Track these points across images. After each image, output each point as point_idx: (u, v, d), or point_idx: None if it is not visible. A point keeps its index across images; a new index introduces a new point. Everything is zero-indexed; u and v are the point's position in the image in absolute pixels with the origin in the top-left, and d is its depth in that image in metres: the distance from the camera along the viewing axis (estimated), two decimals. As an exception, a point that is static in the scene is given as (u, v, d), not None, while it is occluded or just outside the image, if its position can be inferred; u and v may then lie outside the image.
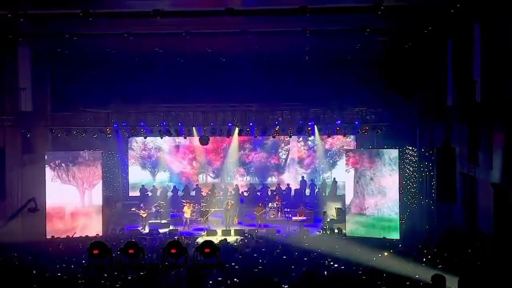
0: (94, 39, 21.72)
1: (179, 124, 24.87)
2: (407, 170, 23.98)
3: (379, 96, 24.17)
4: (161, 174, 29.79)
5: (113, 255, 10.29)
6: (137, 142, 29.37)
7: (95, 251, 10.16)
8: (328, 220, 25.04)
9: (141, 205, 25.71)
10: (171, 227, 25.03)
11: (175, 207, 26.99)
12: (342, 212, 24.76)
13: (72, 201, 23.69)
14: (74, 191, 23.77)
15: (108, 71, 24.99)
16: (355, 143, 28.16)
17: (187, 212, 25.32)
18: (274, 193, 28.26)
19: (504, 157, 15.46)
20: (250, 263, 16.45)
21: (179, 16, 18.54)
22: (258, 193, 28.62)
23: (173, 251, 10.06)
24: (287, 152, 29.81)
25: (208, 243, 10.17)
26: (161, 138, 26.09)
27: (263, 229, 24.35)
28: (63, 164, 23.65)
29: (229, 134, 25.78)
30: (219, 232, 23.63)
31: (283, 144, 29.68)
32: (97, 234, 23.08)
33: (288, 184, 29.04)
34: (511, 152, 15.09)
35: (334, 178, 28.53)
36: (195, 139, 26.71)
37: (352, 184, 23.58)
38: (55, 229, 23.19)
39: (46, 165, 23.36)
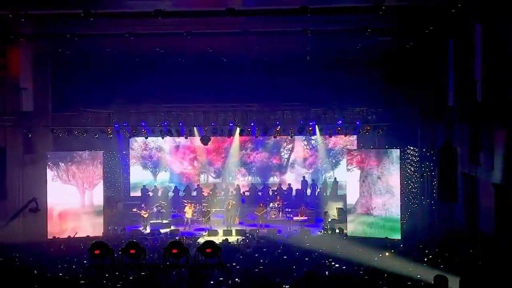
0: (95, 39, 21.72)
1: (180, 124, 24.88)
2: (408, 170, 23.98)
3: (380, 96, 24.17)
4: (162, 174, 29.79)
5: (115, 255, 10.29)
6: (137, 142, 29.33)
7: (97, 251, 10.17)
8: (329, 220, 25.04)
9: (142, 205, 25.70)
10: (172, 227, 25.03)
11: (176, 207, 26.98)
12: (343, 212, 24.74)
13: (72, 201, 23.66)
14: (75, 191, 23.74)
15: (109, 71, 25.01)
16: (356, 143, 28.13)
17: (188, 212, 25.31)
18: (275, 193, 28.26)
19: (505, 157, 15.45)
20: (251, 263, 16.46)
21: (180, 16, 18.54)
22: (259, 193, 28.61)
23: (174, 251, 10.07)
24: (289, 152, 29.79)
25: (209, 243, 10.18)
26: (162, 138, 26.12)
27: (264, 229, 24.34)
28: (62, 164, 23.61)
29: (230, 134, 25.80)
30: (220, 232, 23.63)
31: (285, 144, 29.65)
32: (99, 234, 23.08)
33: (289, 184, 29.03)
34: (513, 152, 15.10)
35: (335, 178, 28.51)
36: (196, 139, 26.72)
37: (354, 184, 23.42)
38: (56, 229, 23.18)
39: (47, 165, 23.36)
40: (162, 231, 24.00)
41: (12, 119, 22.73)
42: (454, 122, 20.37)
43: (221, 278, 13.78)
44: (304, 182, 28.92)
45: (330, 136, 26.99)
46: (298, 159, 29.76)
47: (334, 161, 29.16)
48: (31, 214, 22.51)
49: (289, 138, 28.23)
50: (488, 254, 15.91)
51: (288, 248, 19.00)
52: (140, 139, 28.74)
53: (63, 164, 23.64)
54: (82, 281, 13.62)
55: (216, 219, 25.69)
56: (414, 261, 16.00)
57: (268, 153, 29.68)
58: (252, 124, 24.89)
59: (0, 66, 22.19)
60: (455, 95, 20.25)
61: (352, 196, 23.55)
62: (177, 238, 21.30)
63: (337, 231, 23.42)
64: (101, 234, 23.25)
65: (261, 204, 25.70)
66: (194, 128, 25.22)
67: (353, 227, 23.26)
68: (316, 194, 28.49)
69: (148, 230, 24.49)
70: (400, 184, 22.49)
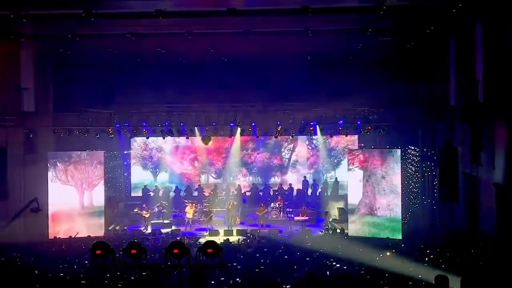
0: (96, 40, 21.73)
1: (181, 124, 24.89)
2: (410, 170, 23.97)
3: (381, 96, 24.15)
4: (162, 174, 29.78)
5: (116, 255, 10.29)
6: (136, 142, 29.26)
7: (98, 251, 10.17)
8: (330, 220, 25.03)
9: (143, 205, 25.70)
10: (173, 227, 25.03)
11: (177, 207, 26.96)
12: (344, 212, 24.75)
13: (73, 201, 23.63)
14: (75, 192, 23.67)
15: (110, 71, 25.01)
16: (357, 143, 28.08)
17: (189, 212, 25.30)
18: (276, 193, 28.26)
19: (506, 157, 15.46)
20: (252, 263, 16.46)
21: (181, 16, 18.55)
22: (260, 193, 28.61)
23: (175, 251, 10.07)
24: (290, 152, 29.78)
25: (210, 243, 10.17)
26: (163, 138, 26.12)
27: (265, 229, 24.35)
28: (59, 165, 23.52)
29: (231, 134, 25.82)
30: (221, 232, 23.64)
31: (286, 144, 29.63)
32: (100, 235, 23.07)
33: (290, 184, 29.02)
34: (514, 152, 15.10)
35: (336, 178, 28.50)
36: (197, 139, 26.73)
37: (355, 184, 23.26)
38: (57, 229, 23.17)
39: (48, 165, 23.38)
40: (163, 231, 23.99)
41: (13, 119, 22.71)
42: (455, 121, 20.38)
43: (222, 278, 13.80)
44: (305, 182, 28.90)
45: (331, 136, 26.99)
46: (299, 159, 29.74)
47: (335, 161, 29.11)
48: (32, 214, 22.51)
49: (290, 138, 28.21)
50: (489, 254, 15.91)
51: (289, 248, 19.00)
52: (139, 140, 28.72)
53: (60, 165, 23.50)
54: (83, 281, 13.62)
55: (217, 219, 25.69)
56: (415, 261, 16.01)
57: (269, 153, 29.66)
58: (253, 124, 24.89)
59: (1, 66, 22.18)
60: (456, 95, 20.27)
61: (354, 196, 23.42)
62: (178, 238, 21.32)
63: (338, 231, 23.41)
64: (102, 234, 23.24)
65: (262, 204, 25.70)
66: (195, 128, 25.23)
67: (356, 227, 23.07)
68: (317, 194, 28.48)
69: (149, 230, 24.49)
70: (401, 184, 22.46)
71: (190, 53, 24.04)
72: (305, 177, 29.06)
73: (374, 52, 23.63)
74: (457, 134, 20.27)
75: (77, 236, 22.83)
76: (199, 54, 23.90)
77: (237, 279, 14.06)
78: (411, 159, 24.08)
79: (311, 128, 24.70)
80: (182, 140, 28.32)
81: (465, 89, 18.85)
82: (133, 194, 29.15)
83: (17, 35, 21.14)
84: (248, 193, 28.41)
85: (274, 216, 26.17)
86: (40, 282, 13.59)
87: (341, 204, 25.89)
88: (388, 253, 17.67)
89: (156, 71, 25.64)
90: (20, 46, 22.50)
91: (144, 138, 26.69)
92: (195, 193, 28.34)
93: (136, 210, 25.59)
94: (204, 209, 25.85)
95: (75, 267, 16.19)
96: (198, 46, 22.40)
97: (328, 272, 15.19)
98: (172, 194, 28.33)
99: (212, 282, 13.45)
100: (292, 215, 25.53)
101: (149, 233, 23.92)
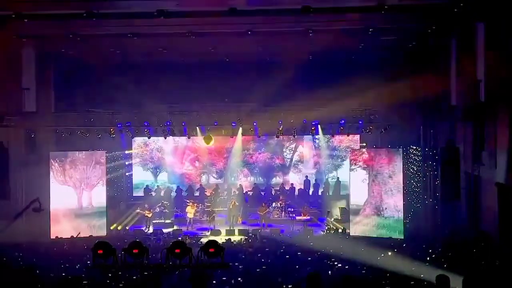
0: (98, 40, 21.76)
1: (183, 124, 24.90)
2: (411, 170, 23.94)
3: (383, 96, 24.13)
4: (163, 174, 29.78)
5: (118, 255, 10.31)
6: (136, 142, 29.20)
7: (100, 251, 10.19)
8: (332, 219, 25.02)
9: (146, 205, 25.70)
10: (175, 227, 25.06)
11: (179, 207, 26.97)
12: (346, 212, 24.73)
13: (75, 201, 23.61)
14: (76, 192, 23.60)
15: (112, 71, 24.99)
16: (359, 142, 28.04)
17: (190, 212, 25.30)
18: (278, 192, 28.26)
19: (508, 157, 15.44)
20: (254, 263, 16.47)
21: (183, 16, 18.56)
22: (262, 193, 28.62)
23: (177, 251, 10.10)
24: (291, 152, 29.76)
25: (212, 243, 10.20)
26: (165, 138, 26.12)
27: (267, 229, 24.35)
28: (57, 165, 23.42)
29: (233, 134, 25.83)
30: (223, 232, 23.65)
31: (287, 144, 29.61)
32: (102, 234, 23.07)
33: (292, 184, 29.01)
34: (515, 152, 15.09)
35: (338, 178, 28.49)
36: (198, 139, 26.72)
37: (358, 184, 23.05)
38: (59, 229, 23.17)
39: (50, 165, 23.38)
40: (164, 231, 23.99)
41: (15, 119, 22.72)
42: (457, 121, 20.36)
43: (223, 278, 13.80)
44: (306, 181, 28.90)
45: (333, 136, 26.99)
46: (301, 159, 29.73)
47: (338, 160, 29.04)
48: (34, 214, 22.49)
49: (292, 138, 28.20)
50: (491, 253, 15.89)
51: (290, 248, 18.99)
52: (140, 140, 28.73)
53: (58, 165, 23.41)
54: (85, 281, 13.62)
55: (219, 219, 25.67)
56: (416, 260, 15.99)
57: (270, 153, 29.65)
58: (254, 123, 24.90)
59: (2, 66, 22.19)
60: (457, 94, 20.24)
61: (356, 196, 23.25)
62: (179, 238, 21.32)
63: (340, 231, 23.40)
64: (104, 234, 23.24)
65: (264, 204, 25.71)
66: (197, 127, 25.25)
67: (360, 228, 22.80)
68: (319, 194, 28.46)
69: (151, 230, 24.50)
70: (403, 184, 22.43)
71: (191, 53, 24.05)
72: (306, 176, 29.06)
73: (375, 51, 23.63)
74: (459, 133, 20.24)
75: (79, 236, 22.84)
76: (201, 54, 23.92)
77: (239, 279, 14.06)
78: (412, 159, 24.04)
79: (312, 128, 24.71)
80: (182, 140, 28.33)
81: (467, 88, 18.82)
82: (134, 194, 29.16)
83: (19, 35, 21.16)
84: (250, 193, 28.42)
85: (276, 216, 26.18)
86: (42, 282, 13.59)
87: (343, 204, 25.88)
88: (389, 253, 17.66)
89: (158, 71, 25.63)
90: (21, 46, 22.52)
91: (144, 138, 26.68)
92: (197, 193, 28.35)
93: (138, 210, 25.60)
94: (207, 209, 25.86)
95: (77, 267, 16.18)
96: (200, 46, 22.43)
97: (330, 272, 15.19)
98: (173, 194, 28.34)
99: (214, 281, 13.45)
100: (294, 215, 25.54)
101: (151, 233, 23.92)
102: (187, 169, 29.82)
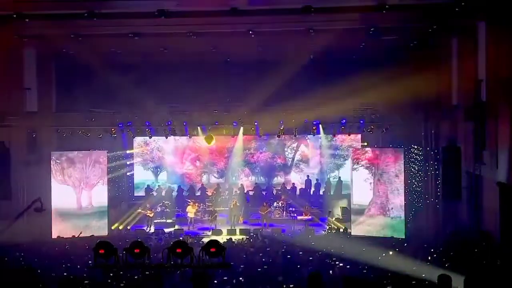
0: (99, 39, 21.77)
1: (184, 123, 24.90)
2: (413, 169, 23.92)
3: (384, 95, 24.10)
4: (163, 174, 29.78)
5: (119, 255, 10.30)
6: (137, 142, 29.16)
7: (101, 251, 10.18)
8: (333, 219, 25.01)
9: (147, 205, 25.72)
10: (176, 227, 25.06)
11: (180, 206, 26.98)
12: (347, 211, 24.70)
13: (74, 201, 23.62)
14: (75, 191, 23.62)
15: (113, 71, 24.97)
16: (360, 142, 28.01)
17: (190, 211, 25.30)
18: (279, 192, 28.26)
19: (509, 156, 15.44)
20: (255, 262, 16.47)
21: (184, 16, 18.57)
22: (263, 193, 28.62)
23: (178, 250, 10.07)
24: (293, 151, 29.75)
25: (213, 243, 10.17)
26: (166, 138, 26.14)
27: (268, 229, 24.34)
28: (56, 164, 23.42)
29: (234, 133, 25.82)
30: (224, 231, 23.65)
31: (289, 143, 29.61)
32: (103, 234, 23.07)
33: (293, 184, 29.01)
34: (517, 151, 15.08)
35: (340, 177, 28.48)
36: (199, 139, 26.72)
37: (360, 183, 22.89)
38: (60, 229, 23.18)
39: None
40: (166, 230, 23.98)
41: (16, 119, 22.75)
42: (458, 121, 20.34)
43: (225, 277, 13.80)
44: (308, 181, 28.90)
45: (334, 135, 26.97)
46: (303, 158, 29.73)
47: (341, 160, 28.97)
48: (35, 214, 22.45)
49: (294, 137, 28.19)
50: (493, 253, 15.89)
51: (292, 248, 18.98)
52: (140, 139, 28.74)
53: (56, 164, 23.38)
54: (86, 281, 13.64)
55: (220, 219, 25.65)
56: (418, 260, 15.99)
57: (272, 153, 29.65)
58: (255, 123, 24.90)
59: (4, 66, 22.20)
60: (458, 94, 20.23)
61: (358, 195, 23.11)
62: (181, 237, 21.32)
63: (341, 230, 23.38)
64: (106, 234, 23.25)
65: (265, 204, 25.72)
66: (198, 127, 25.26)
67: (364, 228, 22.60)
68: (321, 194, 28.45)
69: (152, 230, 24.50)
70: (404, 183, 22.41)
71: (192, 53, 24.05)
72: (308, 176, 29.06)
73: (376, 51, 23.61)
74: (460, 133, 20.24)
75: (80, 236, 22.84)
76: (202, 53, 23.93)
77: (240, 278, 14.08)
78: (414, 158, 24.03)
79: (314, 128, 24.70)
80: (183, 140, 28.33)
81: (468, 88, 18.82)
82: (135, 194, 29.16)
83: (20, 35, 21.17)
84: (251, 193, 28.43)
85: (277, 216, 26.17)
86: (44, 281, 13.61)
87: (344, 204, 25.85)
88: (391, 252, 17.65)
89: (159, 70, 25.63)
90: (23, 46, 22.54)
91: (145, 138, 26.67)
92: (198, 193, 28.36)
93: (140, 209, 25.61)
94: (208, 209, 25.87)
95: (78, 266, 16.20)
96: (201, 46, 22.43)
97: (331, 272, 15.19)
98: (174, 193, 28.34)
99: (215, 281, 13.46)
100: (295, 215, 25.56)
101: (152, 232, 23.92)
102: (187, 169, 29.81)
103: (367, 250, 18.09)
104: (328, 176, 29.06)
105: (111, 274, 13.67)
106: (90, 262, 16.12)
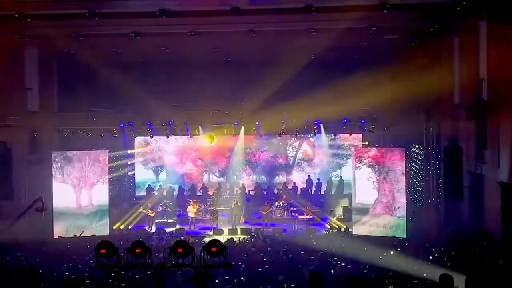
0: (100, 39, 21.78)
1: (185, 123, 24.91)
2: (414, 169, 23.90)
3: (385, 94, 24.07)
4: (164, 174, 29.80)
5: (121, 254, 10.30)
6: (137, 141, 29.21)
7: (102, 251, 10.17)
8: (335, 218, 25.01)
9: (148, 204, 25.73)
10: (177, 226, 25.07)
11: (181, 206, 27.00)
12: (348, 211, 24.70)
13: (74, 200, 23.63)
14: (74, 190, 23.58)
15: (114, 70, 25.02)
16: (362, 141, 27.99)
17: (191, 211, 25.31)
18: (281, 192, 28.26)
19: (511, 155, 15.41)
20: (256, 262, 16.47)
21: (185, 15, 18.58)
22: (265, 192, 28.63)
23: (180, 250, 10.06)
24: (295, 150, 29.74)
25: (215, 242, 10.17)
26: (167, 137, 26.16)
27: (270, 228, 24.34)
28: (63, 164, 23.41)
29: (235, 133, 25.84)
30: (226, 231, 23.66)
31: (291, 141, 29.59)
32: (104, 234, 23.07)
33: (294, 183, 29.01)
34: (518, 150, 15.07)
35: (341, 177, 28.47)
36: (200, 138, 26.75)
37: (363, 182, 22.75)
38: (62, 228, 23.18)
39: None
40: (167, 230, 24.01)
41: (18, 119, 22.77)
42: (460, 120, 20.32)
43: (226, 277, 13.80)
44: (309, 180, 28.90)
45: (335, 135, 26.97)
46: (304, 158, 29.72)
47: (344, 159, 28.94)
48: (37, 213, 22.51)
49: (295, 137, 28.20)
50: (494, 252, 15.87)
51: (293, 247, 18.98)
52: (141, 139, 28.75)
53: (66, 165, 23.38)
54: (87, 281, 13.64)
55: (221, 218, 25.68)
56: (420, 259, 15.98)
57: (274, 152, 29.65)
58: (257, 122, 24.90)
59: (5, 66, 22.22)
60: (460, 93, 20.21)
61: (361, 194, 22.98)
62: (182, 237, 21.33)
63: (342, 230, 23.37)
64: (107, 234, 23.25)
65: (266, 203, 25.72)
66: (199, 127, 25.28)
67: (368, 228, 22.44)
68: (322, 193, 28.45)
69: (153, 230, 24.51)
70: (406, 183, 22.38)
71: (193, 52, 24.06)
72: (309, 175, 29.06)
73: (378, 50, 23.60)
74: (462, 132, 20.21)
75: (81, 236, 22.84)
76: (203, 53, 23.93)
77: (241, 278, 14.08)
78: (415, 158, 24.01)
79: (315, 127, 24.70)
80: (184, 139, 28.33)
81: (469, 87, 18.80)
82: (136, 194, 29.18)
83: (22, 35, 21.18)
84: (252, 192, 28.43)
85: (278, 215, 26.18)
86: (45, 281, 13.61)
87: (345, 203, 25.84)
88: (392, 252, 17.64)
89: (160, 70, 25.68)
90: (24, 46, 22.55)
91: (146, 137, 26.67)
92: (199, 193, 28.37)
93: (141, 209, 25.62)
94: (209, 208, 25.88)
95: (79, 266, 16.21)
96: (202, 45, 22.43)
97: (332, 271, 15.18)
98: (175, 193, 28.35)
99: (216, 281, 13.47)
100: (297, 214, 25.54)
101: (154, 232, 23.93)
102: (188, 169, 29.82)
103: (368, 250, 18.08)
104: (330, 175, 29.05)
105: (113, 274, 13.66)
106: (91, 261, 16.10)
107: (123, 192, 28.09)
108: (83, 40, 20.96)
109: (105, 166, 24.12)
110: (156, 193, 28.16)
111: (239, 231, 23.40)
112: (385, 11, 17.36)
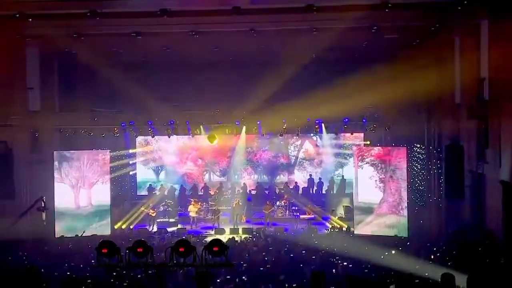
0: (101, 39, 21.78)
1: (187, 122, 24.92)
2: (415, 168, 23.89)
3: (386, 94, 24.05)
4: (165, 173, 29.79)
5: (122, 254, 10.31)
6: (138, 141, 29.20)
7: (104, 250, 10.18)
8: (336, 218, 25.00)
9: (150, 204, 25.74)
10: (179, 226, 25.08)
11: (182, 206, 27.01)
12: (350, 210, 24.69)
13: (74, 200, 23.56)
14: (73, 190, 23.56)
15: (115, 70, 24.99)
16: (363, 140, 27.95)
17: (192, 211, 25.32)
18: (282, 191, 28.26)
19: (512, 155, 15.42)
20: (258, 261, 16.48)
21: (186, 15, 18.58)
22: (266, 192, 28.63)
23: (181, 249, 10.07)
24: (296, 150, 29.73)
25: (216, 242, 10.17)
26: (169, 137, 26.17)
27: (271, 228, 24.35)
28: (61, 163, 23.41)
29: (237, 132, 25.85)
30: (227, 230, 23.66)
31: (292, 140, 29.58)
32: (106, 233, 23.09)
33: (296, 182, 29.00)
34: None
35: (343, 176, 28.46)
36: (201, 138, 26.76)
37: (365, 181, 22.66)
38: (63, 228, 23.19)
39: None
40: (169, 229, 24.02)
41: (19, 119, 22.76)
42: (461, 119, 20.31)
43: (228, 277, 13.81)
44: (310, 180, 28.90)
45: (337, 134, 26.96)
46: (306, 157, 29.72)
47: (344, 158, 28.90)
48: (38, 213, 22.53)
49: (296, 136, 28.19)
50: (496, 251, 15.87)
51: (295, 247, 18.99)
52: (141, 138, 28.75)
53: (67, 165, 23.40)
54: (89, 280, 13.66)
55: (223, 218, 25.69)
56: (421, 259, 15.98)
57: (275, 151, 29.64)
58: (258, 122, 24.91)
59: (6, 66, 22.21)
60: (461, 92, 20.19)
61: (364, 193, 22.87)
62: (184, 236, 21.33)
63: (344, 229, 23.37)
64: (109, 233, 23.27)
65: (268, 203, 25.73)
66: (201, 126, 25.29)
67: (372, 228, 22.30)
68: (323, 192, 28.44)
69: (155, 229, 24.52)
70: (407, 182, 22.37)
71: (195, 52, 24.05)
72: (310, 175, 29.06)
73: (379, 50, 23.58)
74: (463, 131, 20.20)
75: (83, 235, 22.86)
76: (204, 52, 23.92)
77: (243, 277, 14.09)
78: (417, 157, 24.00)
79: (316, 127, 24.70)
80: (185, 139, 28.33)
81: (471, 86, 18.79)
82: (138, 193, 29.18)
83: (23, 34, 21.18)
84: (253, 192, 28.43)
85: (280, 215, 26.18)
86: (47, 281, 13.63)
87: (347, 202, 25.84)
88: (393, 251, 17.64)
89: (161, 70, 25.68)
90: (25, 45, 22.55)
91: (147, 137, 26.67)
92: (201, 192, 28.37)
93: (142, 208, 25.63)
94: (211, 208, 25.88)
95: (81, 266, 16.23)
96: (203, 45, 22.42)
97: (334, 270, 15.19)
98: (177, 193, 28.36)
99: (218, 280, 13.47)
100: (298, 214, 25.55)
101: (155, 232, 23.95)
102: (189, 168, 29.82)
103: (370, 249, 18.07)
104: (332, 175, 29.04)
105: (114, 274, 13.68)
106: (93, 261, 16.11)
107: (124, 191, 28.08)
108: (84, 40, 20.94)
109: (105, 165, 24.10)
110: (157, 192, 28.17)
111: (240, 231, 23.40)
112: (386, 10, 17.34)
